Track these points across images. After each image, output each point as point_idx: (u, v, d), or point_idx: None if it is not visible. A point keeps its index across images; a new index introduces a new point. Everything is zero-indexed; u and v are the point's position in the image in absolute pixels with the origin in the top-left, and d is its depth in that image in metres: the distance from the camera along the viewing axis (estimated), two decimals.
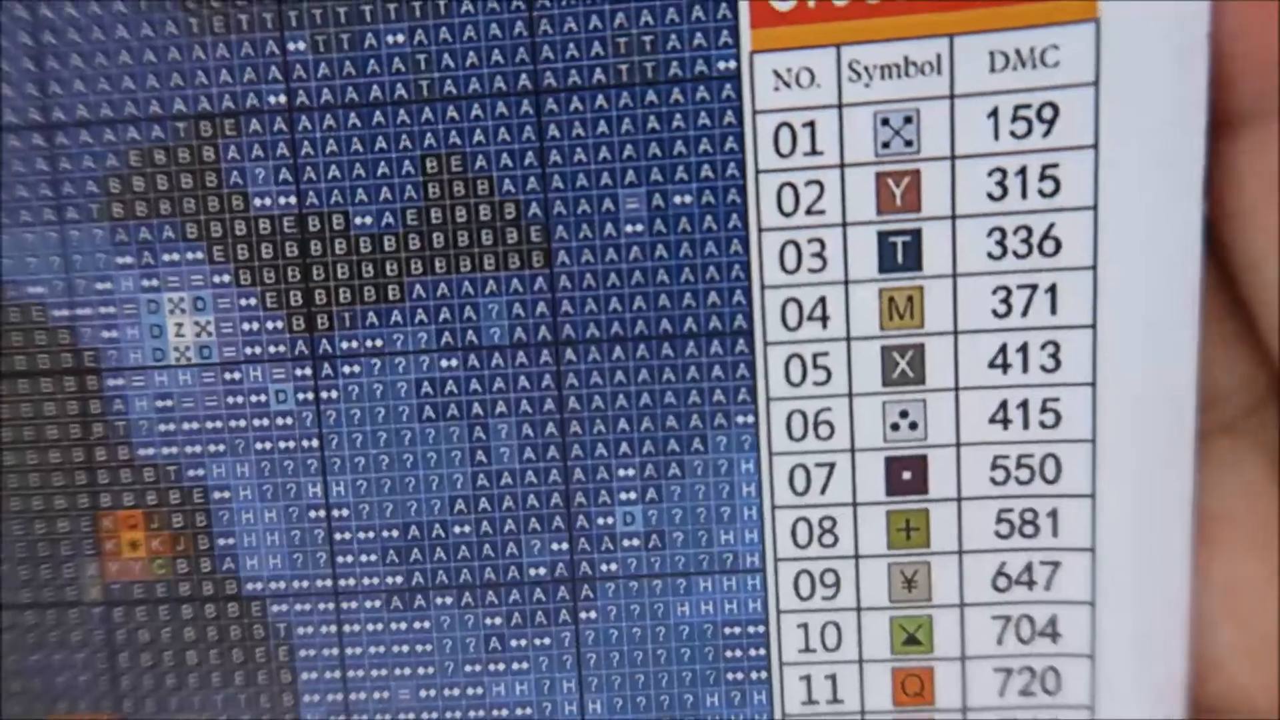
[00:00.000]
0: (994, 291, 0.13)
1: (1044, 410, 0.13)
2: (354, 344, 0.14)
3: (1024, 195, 0.13)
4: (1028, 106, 0.12)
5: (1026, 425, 0.13)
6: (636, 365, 0.13)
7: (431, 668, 0.14)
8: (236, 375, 0.14)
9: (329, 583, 0.14)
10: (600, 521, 0.14)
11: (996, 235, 0.13)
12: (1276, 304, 0.13)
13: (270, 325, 0.14)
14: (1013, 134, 0.12)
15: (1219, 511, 0.13)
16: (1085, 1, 0.12)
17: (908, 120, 0.13)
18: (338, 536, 0.14)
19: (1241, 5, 0.12)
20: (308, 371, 0.14)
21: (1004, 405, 0.13)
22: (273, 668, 0.14)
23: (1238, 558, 0.13)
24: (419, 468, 0.14)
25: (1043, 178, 0.13)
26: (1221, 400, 0.13)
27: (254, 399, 0.14)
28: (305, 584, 0.14)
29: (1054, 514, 0.13)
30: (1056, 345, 0.13)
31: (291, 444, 0.14)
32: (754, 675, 0.14)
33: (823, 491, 0.14)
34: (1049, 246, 0.13)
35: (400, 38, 0.13)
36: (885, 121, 0.13)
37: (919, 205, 0.13)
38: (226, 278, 0.13)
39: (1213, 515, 0.13)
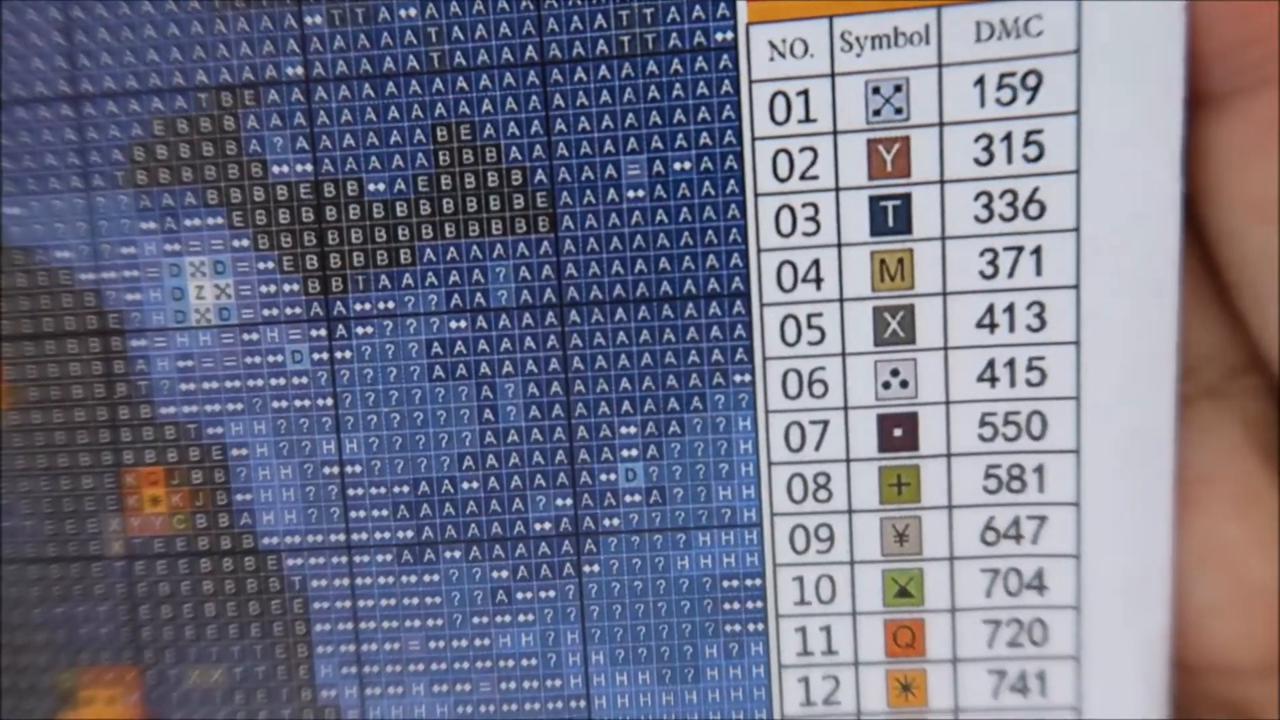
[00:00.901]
0: (981, 253, 0.13)
1: (1030, 368, 0.14)
2: (367, 306, 0.14)
3: (1009, 160, 0.13)
4: (1012, 74, 0.13)
5: (1013, 383, 0.14)
6: (638, 326, 0.14)
7: (440, 619, 0.15)
8: (254, 336, 0.14)
9: (342, 537, 0.15)
10: (603, 477, 0.14)
11: (983, 199, 0.13)
12: (1251, 274, 0.13)
13: (287, 288, 0.14)
14: (998, 101, 0.13)
15: (1200, 474, 0.14)
16: None
17: (898, 88, 0.13)
18: (350, 492, 0.14)
19: None
20: (323, 332, 0.14)
21: (991, 364, 0.14)
22: (288, 619, 0.15)
23: (1219, 518, 0.14)
24: (429, 425, 0.14)
25: (1027, 143, 0.13)
26: (1202, 366, 0.14)
27: (271, 359, 0.14)
28: (319, 538, 0.15)
29: (1040, 469, 0.14)
30: (1042, 305, 0.13)
31: (307, 403, 0.14)
32: (751, 627, 0.15)
33: (817, 448, 0.14)
34: (1034, 210, 0.13)
35: (412, 11, 0.13)
36: (876, 90, 0.13)
37: (909, 170, 0.13)
38: (245, 242, 0.14)
39: (1194, 477, 0.14)
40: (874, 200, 0.13)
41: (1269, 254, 0.13)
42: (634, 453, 0.14)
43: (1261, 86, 0.12)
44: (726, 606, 0.14)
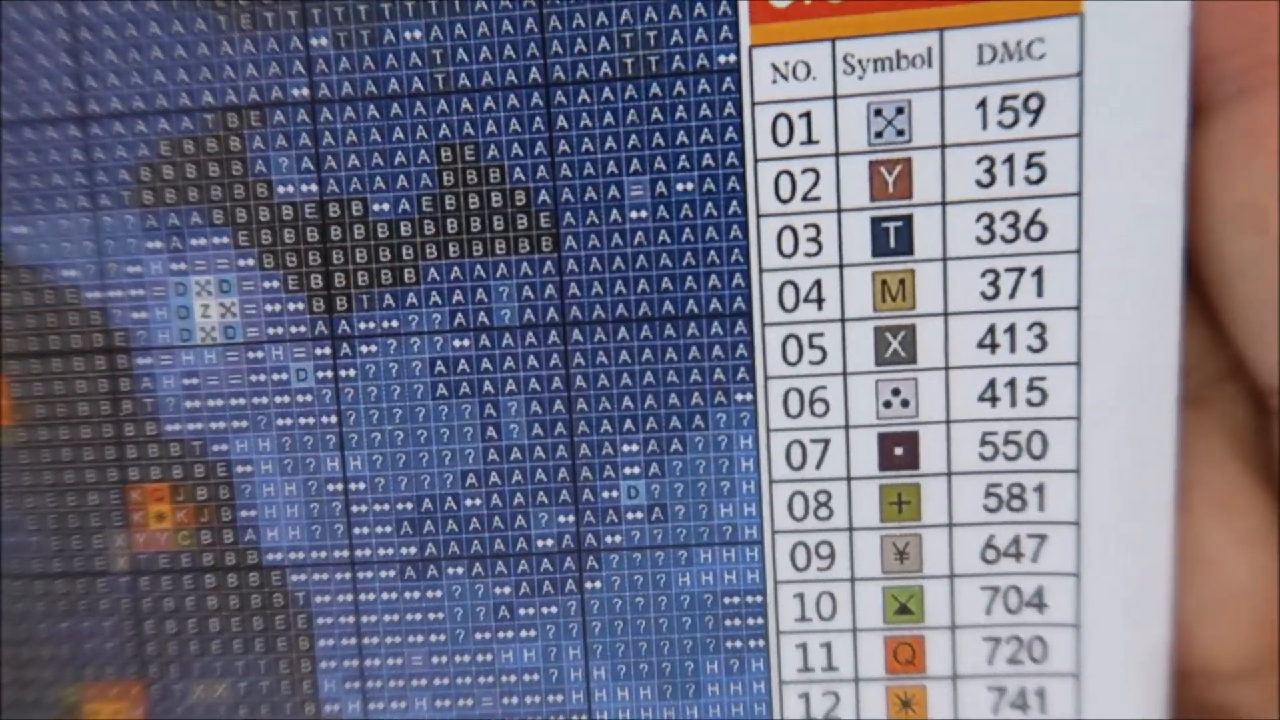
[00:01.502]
0: (983, 274, 0.13)
1: (1031, 388, 0.14)
2: (371, 325, 0.14)
3: (1011, 182, 0.13)
4: (1015, 97, 0.13)
5: (1014, 403, 0.14)
6: (640, 345, 0.14)
7: (443, 635, 0.15)
8: (259, 354, 0.14)
9: (346, 553, 0.15)
10: (605, 495, 0.14)
11: (985, 221, 0.13)
12: (1233, 283, 0.13)
13: (292, 307, 0.14)
14: (1000, 123, 0.13)
15: (1184, 479, 0.14)
16: None
17: (900, 111, 0.13)
18: (354, 509, 0.15)
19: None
20: (327, 351, 0.14)
21: (992, 384, 0.14)
22: (291, 635, 0.15)
23: (1201, 524, 0.14)
24: (432, 443, 0.14)
25: (1029, 165, 0.13)
26: (1185, 373, 0.14)
27: (276, 377, 0.14)
28: (323, 554, 0.15)
29: (1040, 488, 0.14)
30: (1043, 326, 0.13)
31: (311, 420, 0.14)
32: (752, 643, 0.15)
33: (818, 466, 0.14)
34: (1035, 231, 0.13)
35: (417, 33, 0.13)
36: (878, 112, 0.13)
37: (910, 192, 0.13)
38: (250, 261, 0.14)
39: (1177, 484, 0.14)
40: (876, 221, 0.13)
41: (1251, 263, 0.13)
42: (636, 470, 0.14)
43: (1242, 96, 0.12)
44: (728, 623, 0.15)
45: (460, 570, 0.15)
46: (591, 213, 0.14)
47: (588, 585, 0.15)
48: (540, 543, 0.15)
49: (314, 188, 0.14)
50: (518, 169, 0.14)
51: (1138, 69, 0.13)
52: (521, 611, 0.15)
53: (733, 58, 0.13)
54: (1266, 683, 0.14)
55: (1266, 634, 0.14)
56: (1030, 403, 0.14)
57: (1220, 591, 0.14)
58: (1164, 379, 0.13)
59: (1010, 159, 0.13)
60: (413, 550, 0.15)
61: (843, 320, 0.14)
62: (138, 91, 0.14)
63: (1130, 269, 0.13)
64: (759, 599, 0.14)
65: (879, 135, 0.13)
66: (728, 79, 0.13)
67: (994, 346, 0.14)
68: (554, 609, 0.15)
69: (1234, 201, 0.13)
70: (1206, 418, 0.14)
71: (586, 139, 0.14)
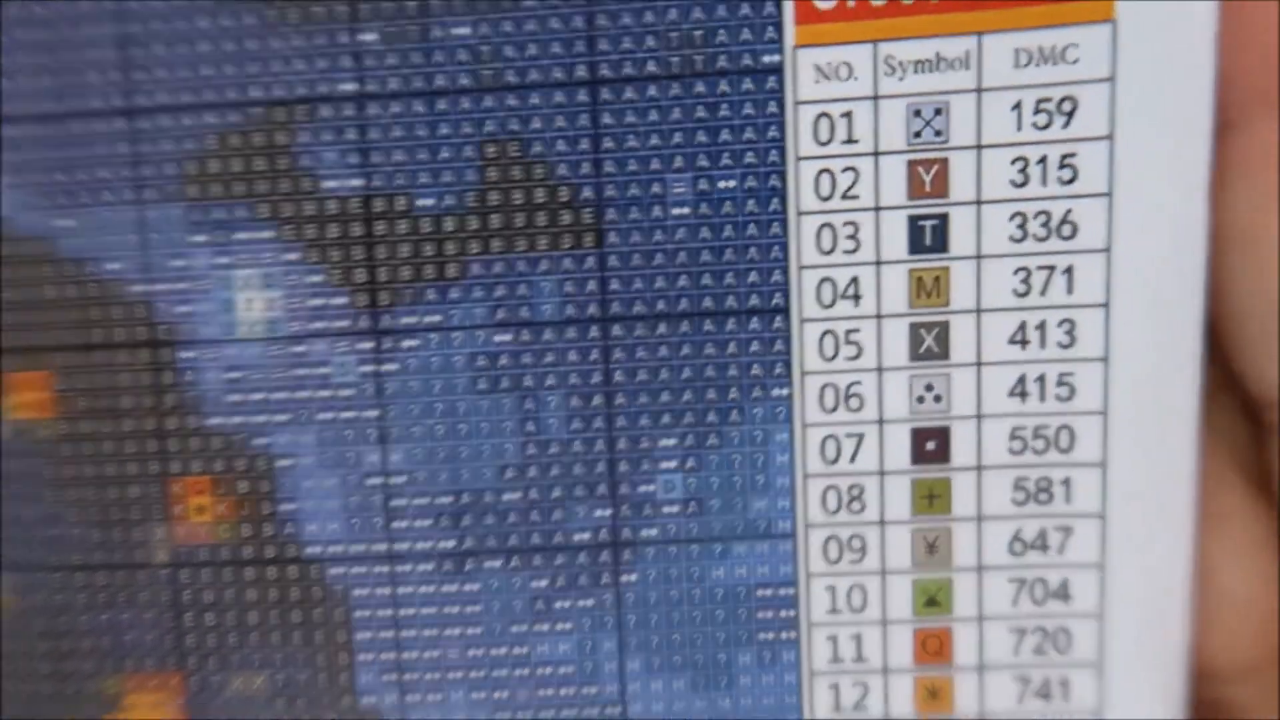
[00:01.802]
0: (1015, 272, 0.14)
1: (1060, 384, 0.14)
2: (414, 319, 0.14)
3: (1044, 182, 0.13)
4: (1049, 100, 0.13)
5: (1043, 398, 0.14)
6: (679, 340, 0.14)
7: (480, 628, 0.15)
8: (302, 349, 0.14)
9: (385, 547, 0.15)
10: (642, 489, 0.15)
11: (1018, 220, 0.14)
12: (1225, 299, 0.13)
13: (335, 301, 0.14)
14: (1035, 125, 0.13)
15: None
16: (1103, 3, 0.13)
17: (938, 112, 0.13)
18: (394, 503, 0.15)
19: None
20: (369, 345, 0.14)
21: (1022, 379, 0.14)
22: (330, 628, 0.15)
23: (1200, 534, 0.14)
24: (472, 437, 0.14)
25: (1062, 166, 0.13)
26: None
27: (318, 371, 0.14)
28: (362, 548, 0.15)
29: (1067, 482, 0.14)
30: (1072, 323, 0.14)
31: (352, 414, 0.14)
32: (784, 635, 0.15)
33: (852, 460, 0.14)
34: (1066, 230, 0.14)
35: (465, 30, 0.14)
36: (917, 113, 0.13)
37: (947, 191, 0.14)
38: (295, 256, 0.14)
39: None
40: (913, 219, 0.14)
41: (1242, 281, 0.13)
42: (673, 464, 0.14)
43: (1237, 123, 0.13)
44: (760, 615, 0.15)
45: (498, 564, 0.15)
46: (634, 209, 0.14)
47: (623, 579, 0.15)
48: (577, 536, 0.15)
49: (359, 182, 0.14)
50: (562, 165, 0.14)
51: (1166, 75, 0.13)
52: (558, 605, 0.15)
53: (777, 58, 0.13)
54: (1265, 684, 0.14)
55: (1265, 644, 0.14)
56: (1059, 398, 0.14)
57: (1217, 601, 0.14)
58: (1187, 375, 0.14)
59: (1043, 160, 0.13)
60: (451, 544, 0.15)
61: (879, 316, 0.14)
62: (185, 85, 0.14)
63: (1157, 268, 0.13)
64: (791, 592, 0.15)
65: (917, 135, 0.13)
66: (771, 78, 0.13)
67: (1024, 343, 0.14)
68: (590, 602, 0.15)
69: (1223, 221, 0.13)
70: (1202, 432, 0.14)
71: (631, 136, 0.14)
